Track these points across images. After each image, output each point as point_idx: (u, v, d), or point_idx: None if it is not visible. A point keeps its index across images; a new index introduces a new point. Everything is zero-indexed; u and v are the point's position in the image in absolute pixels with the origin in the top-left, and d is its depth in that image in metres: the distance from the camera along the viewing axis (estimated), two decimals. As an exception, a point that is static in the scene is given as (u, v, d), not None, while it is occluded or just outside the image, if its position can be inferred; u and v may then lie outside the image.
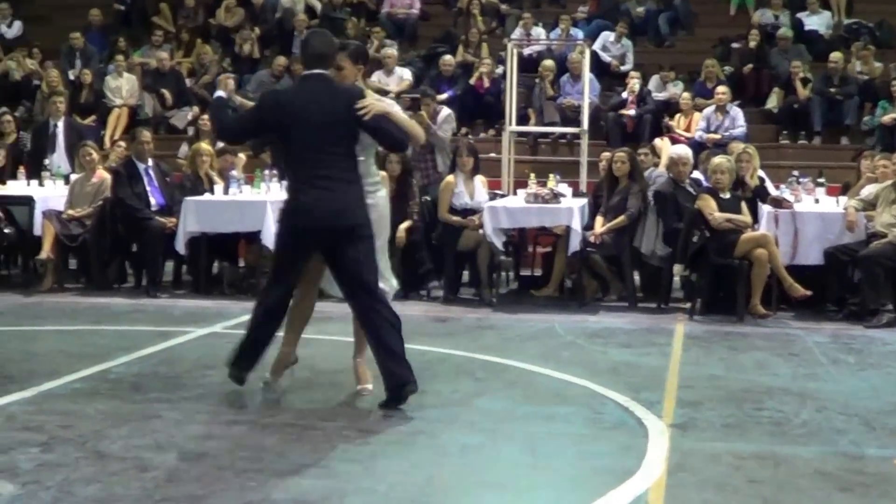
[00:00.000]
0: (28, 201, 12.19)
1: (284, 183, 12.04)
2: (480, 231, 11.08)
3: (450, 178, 11.59)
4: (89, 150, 12.47)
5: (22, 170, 13.73)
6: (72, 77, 17.78)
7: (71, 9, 20.12)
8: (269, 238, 11.23)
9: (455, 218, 11.36)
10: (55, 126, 14.70)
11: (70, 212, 12.07)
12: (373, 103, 6.96)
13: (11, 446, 6.00)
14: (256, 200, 11.70)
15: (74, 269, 12.57)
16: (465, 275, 11.91)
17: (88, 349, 8.82)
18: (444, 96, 15.48)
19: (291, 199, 7.15)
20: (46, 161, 14.02)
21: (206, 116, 15.52)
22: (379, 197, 7.36)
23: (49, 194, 12.64)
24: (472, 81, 16.53)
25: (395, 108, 7.30)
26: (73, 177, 12.91)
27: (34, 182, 13.19)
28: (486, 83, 16.47)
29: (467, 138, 14.43)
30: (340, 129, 6.96)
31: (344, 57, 7.24)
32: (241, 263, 12.29)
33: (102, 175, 12.28)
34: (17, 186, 13.08)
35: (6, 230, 12.09)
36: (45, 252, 11.74)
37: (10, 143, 14.83)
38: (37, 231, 11.97)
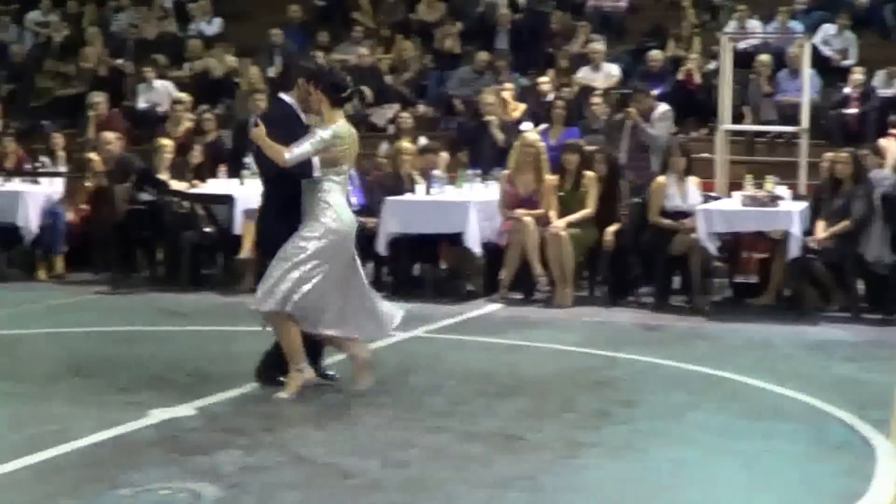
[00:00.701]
0: (228, 200, 12.16)
1: (486, 183, 11.96)
2: (693, 235, 10.61)
3: (661, 178, 11.14)
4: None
5: (222, 168, 13.76)
6: (271, 74, 17.84)
7: (271, 5, 20.24)
8: (472, 240, 11.00)
9: (666, 221, 10.90)
10: (255, 124, 14.67)
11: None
12: (255, 131, 7.30)
13: (214, 448, 5.91)
14: (459, 201, 11.43)
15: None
16: (676, 280, 11.40)
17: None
18: (653, 93, 14.99)
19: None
20: (246, 159, 14.00)
21: (405, 114, 15.39)
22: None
23: (249, 193, 12.57)
24: (679, 77, 15.99)
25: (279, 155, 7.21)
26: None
27: (234, 180, 13.19)
28: (697, 79, 15.91)
29: (679, 137, 13.92)
30: None
31: (304, 82, 7.40)
32: (443, 265, 12.04)
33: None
34: (217, 185, 13.09)
35: (206, 229, 12.09)
36: (245, 251, 11.69)
37: (211, 142, 14.91)
38: (236, 230, 11.92)
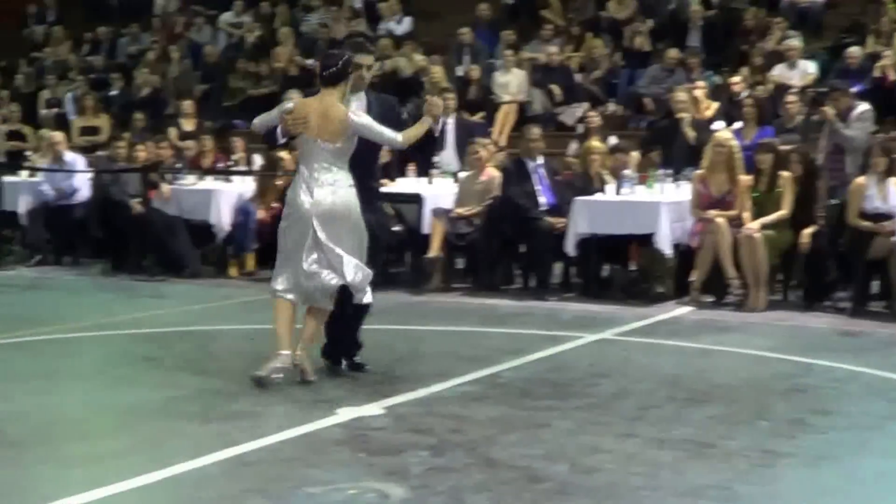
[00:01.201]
0: (417, 199, 12.19)
1: (678, 183, 11.74)
2: (894, 238, 10.21)
3: (860, 179, 10.74)
4: (477, 148, 12.35)
5: (411, 167, 13.81)
6: (460, 73, 17.85)
7: (460, 4, 20.26)
8: (663, 241, 10.80)
9: (866, 223, 10.51)
10: (444, 123, 14.71)
11: (458, 210, 11.98)
12: None
13: (402, 448, 5.86)
14: (649, 201, 11.24)
15: (461, 269, 12.51)
16: (875, 285, 10.98)
17: (476, 351, 8.64)
18: (851, 92, 14.49)
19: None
20: (435, 158, 14.04)
21: (594, 113, 15.24)
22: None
23: (438, 192, 12.62)
24: (875, 74, 15.43)
25: None
26: (462, 174, 12.86)
27: (423, 180, 13.22)
28: (892, 76, 15.31)
29: (879, 136, 13.43)
30: None
31: None
32: (632, 267, 11.85)
33: (491, 173, 12.14)
34: (406, 184, 13.13)
35: (395, 228, 12.12)
36: (434, 251, 11.70)
37: (401, 140, 14.97)
38: (425, 229, 11.94)
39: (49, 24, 23.31)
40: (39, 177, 14.44)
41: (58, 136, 14.75)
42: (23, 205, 14.27)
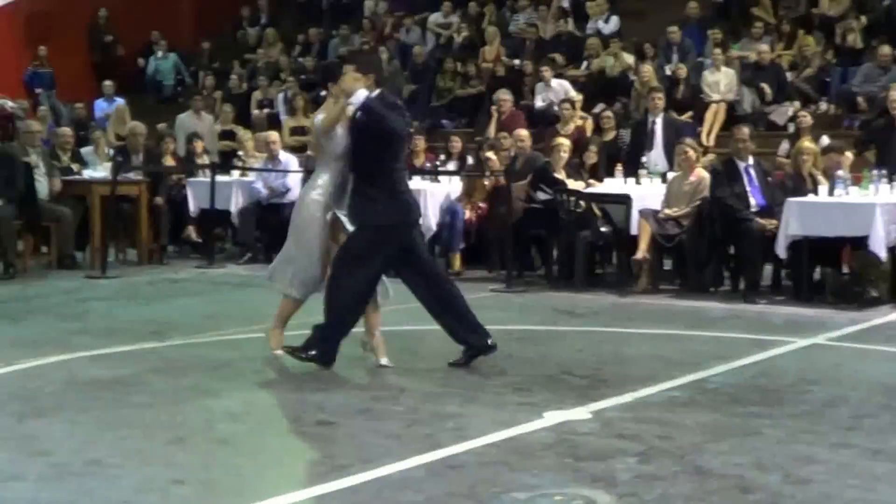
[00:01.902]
0: (625, 199, 12.06)
1: (893, 184, 11.34)
2: None
3: None
4: (686, 148, 12.16)
5: (619, 167, 13.69)
6: (668, 72, 17.62)
7: (668, 3, 20.03)
8: (877, 244, 10.46)
9: None
10: (653, 122, 14.55)
11: (667, 211, 11.81)
12: None
13: (609, 454, 5.76)
14: (864, 202, 10.89)
15: (669, 271, 12.34)
16: None
17: (684, 355, 8.50)
18: None
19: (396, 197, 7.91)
20: (644, 158, 13.91)
21: (805, 112, 14.87)
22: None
23: (646, 192, 12.48)
24: None
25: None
26: (671, 175, 12.69)
27: (631, 180, 13.09)
28: None
29: None
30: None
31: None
32: (845, 270, 11.49)
33: (700, 174, 11.94)
34: (613, 184, 13.04)
35: (602, 228, 12.03)
36: (641, 252, 11.55)
37: (608, 140, 14.86)
38: (633, 230, 11.81)
39: (262, 27, 23.87)
40: (252, 176, 14.78)
41: (273, 135, 15.09)
42: (235, 203, 14.64)
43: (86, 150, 16.21)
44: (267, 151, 14.71)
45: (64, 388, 7.26)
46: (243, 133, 17.15)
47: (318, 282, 8.18)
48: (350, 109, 7.85)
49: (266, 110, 20.10)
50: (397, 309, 10.75)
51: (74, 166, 14.86)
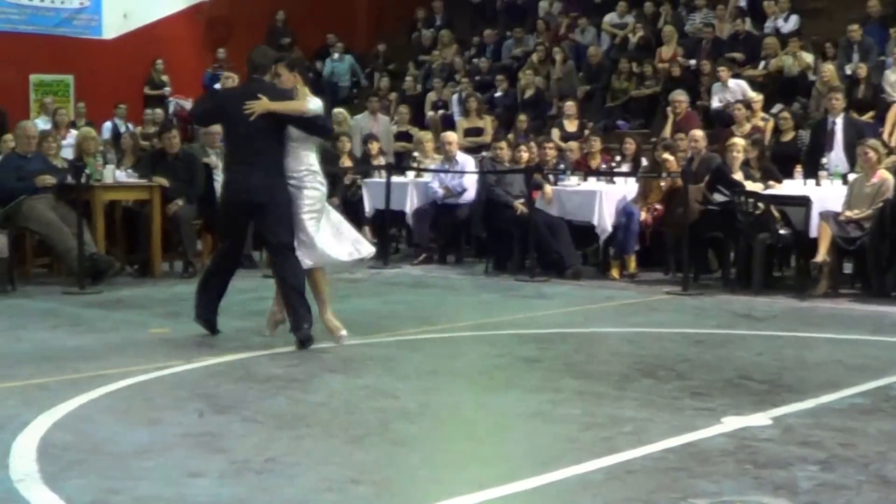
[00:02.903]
0: (804, 202, 11.80)
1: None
2: None
3: None
4: (867, 149, 11.83)
5: (798, 169, 13.41)
6: (848, 72, 17.18)
7: (849, 1, 19.55)
8: None
9: None
10: (833, 123, 14.22)
11: (848, 213, 11.50)
12: (257, 103, 8.62)
13: (790, 462, 5.60)
14: None
15: (849, 274, 12.03)
16: None
17: (866, 361, 8.25)
18: None
19: (224, 177, 9.52)
20: (823, 160, 13.59)
21: None
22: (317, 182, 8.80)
23: (826, 194, 12.20)
24: None
25: (302, 106, 8.75)
26: (851, 177, 12.37)
27: (811, 181, 12.81)
28: None
29: None
30: (261, 123, 8.61)
31: (282, 66, 8.94)
32: None
33: (883, 175, 11.60)
34: (793, 186, 12.77)
35: (782, 231, 11.78)
36: (821, 255, 11.28)
37: (787, 141, 14.58)
38: (812, 233, 11.54)
39: (436, 29, 24.01)
40: (428, 177, 14.87)
41: (451, 136, 15.17)
42: (410, 204, 14.75)
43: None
44: (444, 152, 14.80)
45: (242, 386, 7.37)
46: (422, 134, 17.27)
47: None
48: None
49: (441, 112, 20.21)
50: (571, 311, 10.76)
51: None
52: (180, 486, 5.15)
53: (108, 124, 20.14)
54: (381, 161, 16.17)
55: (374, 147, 16.29)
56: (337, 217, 9.12)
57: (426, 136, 16.76)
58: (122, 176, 13.31)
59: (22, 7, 21.53)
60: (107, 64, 21.90)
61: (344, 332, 8.81)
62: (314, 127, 8.87)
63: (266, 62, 9.04)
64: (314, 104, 8.80)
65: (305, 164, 8.79)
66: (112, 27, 22.62)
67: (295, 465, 5.49)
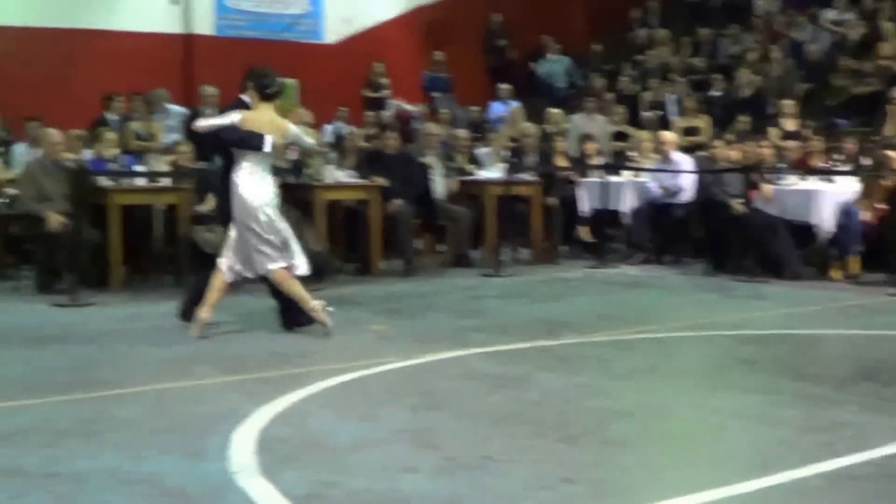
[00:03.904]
0: None
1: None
2: None
3: None
4: None
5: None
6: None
7: None
8: None
9: None
10: None
11: None
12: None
13: None
14: None
15: None
16: None
17: None
18: None
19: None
20: None
21: None
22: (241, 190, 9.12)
23: None
24: None
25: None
26: None
27: None
28: None
29: None
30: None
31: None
32: None
33: None
34: None
35: None
36: None
37: None
38: None
39: (652, 28, 23.80)
40: (645, 177, 14.77)
41: (667, 135, 15.05)
42: (627, 204, 14.67)
43: (481, 152, 16.65)
44: (660, 151, 14.68)
45: (458, 383, 7.45)
46: (641, 133, 17.13)
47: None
48: None
49: (657, 111, 20.03)
50: (790, 312, 10.54)
51: (470, 167, 15.26)
52: (394, 480, 5.23)
53: (329, 126, 20.55)
54: (598, 161, 16.11)
55: (591, 147, 16.22)
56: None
57: (644, 135, 16.62)
58: (343, 176, 13.58)
59: (247, 14, 22.14)
60: (328, 67, 22.34)
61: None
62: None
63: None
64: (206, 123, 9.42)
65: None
66: (333, 32, 23.06)
67: (508, 463, 5.51)
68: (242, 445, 5.81)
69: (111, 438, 5.96)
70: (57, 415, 6.52)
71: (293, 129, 9.58)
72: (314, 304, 9.24)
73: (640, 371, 7.87)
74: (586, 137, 16.62)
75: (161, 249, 12.50)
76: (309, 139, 10.38)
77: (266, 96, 9.30)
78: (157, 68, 19.73)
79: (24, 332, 9.49)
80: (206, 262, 11.88)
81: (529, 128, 15.94)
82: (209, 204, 12.29)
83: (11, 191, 12.44)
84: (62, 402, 6.84)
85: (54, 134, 12.01)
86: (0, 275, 12.81)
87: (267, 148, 9.08)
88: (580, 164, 15.90)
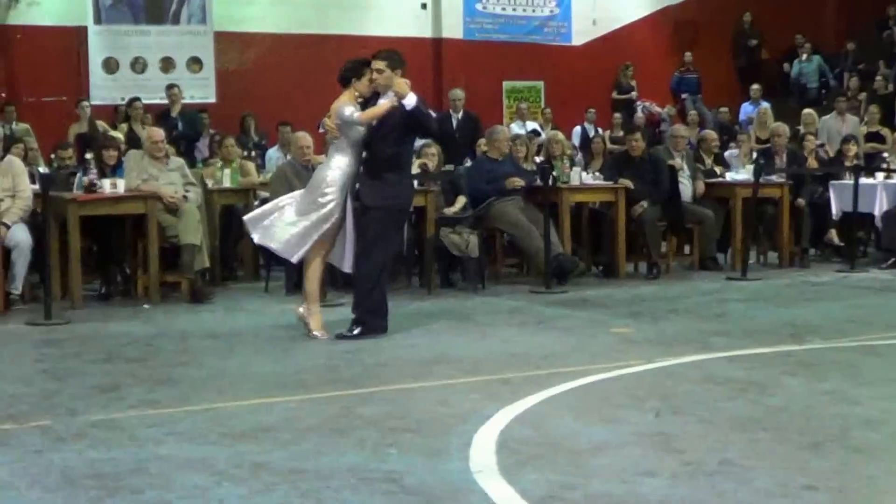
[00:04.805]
0: None
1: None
2: None
3: None
4: None
5: None
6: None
7: None
8: None
9: None
10: None
11: None
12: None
13: None
14: None
15: None
16: None
17: None
18: None
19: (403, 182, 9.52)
20: None
21: None
22: None
23: None
24: None
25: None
26: None
27: None
28: None
29: None
30: None
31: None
32: None
33: None
34: None
35: None
36: None
37: None
38: None
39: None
40: (898, 178, 14.36)
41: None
42: (879, 206, 14.25)
43: (729, 153, 16.42)
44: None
45: (700, 387, 7.39)
46: (893, 135, 16.60)
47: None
48: (393, 104, 9.09)
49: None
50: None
51: (718, 169, 15.09)
52: (633, 484, 5.24)
53: (577, 128, 20.61)
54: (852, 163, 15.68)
55: (851, 149, 15.68)
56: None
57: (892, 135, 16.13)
58: (589, 178, 13.60)
59: (496, 17, 22.39)
60: (576, 69, 22.42)
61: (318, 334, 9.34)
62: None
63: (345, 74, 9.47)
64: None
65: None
66: (581, 33, 23.11)
67: (749, 469, 5.46)
68: (483, 446, 5.90)
69: (355, 437, 6.12)
70: (303, 413, 6.73)
71: (341, 109, 9.34)
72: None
73: (888, 378, 7.65)
74: (847, 139, 16.12)
75: (407, 252, 12.71)
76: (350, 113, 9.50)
77: (339, 80, 9.49)
78: (407, 72, 20.14)
79: (273, 332, 9.81)
80: (452, 263, 12.17)
81: (780, 127, 15.65)
82: (458, 205, 12.52)
83: (264, 193, 12.86)
84: (308, 401, 7.07)
85: (304, 137, 12.36)
86: (253, 276, 13.30)
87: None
88: (829, 165, 15.52)
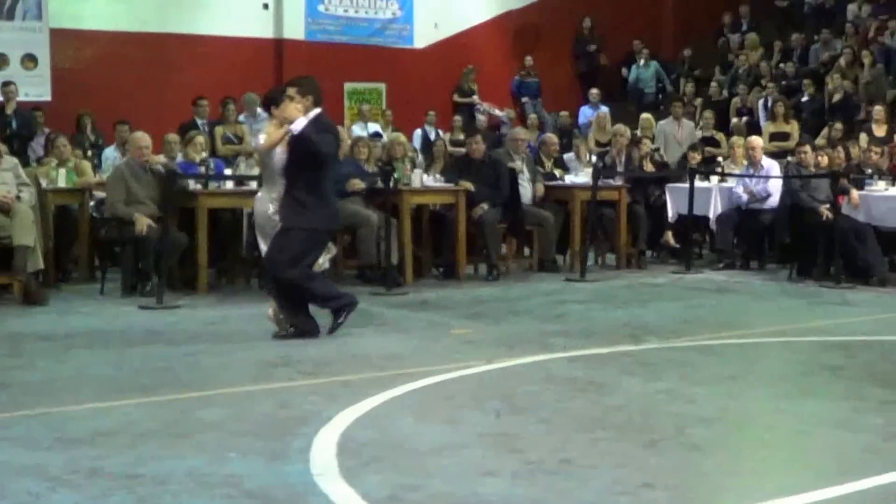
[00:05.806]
0: None
1: None
2: None
3: None
4: None
5: None
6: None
7: None
8: None
9: None
10: None
11: None
12: None
13: None
14: None
15: None
16: None
17: None
18: None
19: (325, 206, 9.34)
20: None
21: None
22: None
23: None
24: None
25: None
26: None
27: None
28: None
29: None
30: None
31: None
32: None
33: None
34: None
35: None
36: None
37: None
38: None
39: (742, 33, 23.64)
40: (731, 182, 14.67)
41: (756, 141, 14.92)
42: (713, 209, 14.58)
43: (568, 157, 16.63)
44: (748, 157, 14.56)
45: (540, 387, 7.46)
46: (735, 139, 16.95)
47: None
48: (288, 133, 9.07)
49: (745, 118, 19.90)
50: (877, 319, 10.43)
51: (557, 172, 15.26)
52: (474, 484, 5.26)
53: (418, 131, 20.66)
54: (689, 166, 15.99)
55: (695, 157, 15.85)
56: None
57: (739, 141, 16.46)
58: (430, 180, 13.63)
59: (338, 18, 22.32)
60: (418, 72, 22.47)
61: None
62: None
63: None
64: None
65: None
66: (423, 36, 23.17)
67: (589, 468, 5.52)
68: (324, 448, 5.87)
69: (194, 440, 6.04)
70: (141, 416, 6.62)
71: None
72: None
73: (723, 377, 7.83)
74: (693, 147, 16.36)
75: (247, 254, 12.59)
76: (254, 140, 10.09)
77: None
78: (248, 72, 19.97)
79: (110, 334, 9.63)
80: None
81: (621, 128, 15.94)
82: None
83: (101, 193, 12.62)
84: (146, 404, 6.95)
85: (143, 137, 12.17)
86: (88, 277, 13.02)
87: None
88: (667, 169, 15.82)
